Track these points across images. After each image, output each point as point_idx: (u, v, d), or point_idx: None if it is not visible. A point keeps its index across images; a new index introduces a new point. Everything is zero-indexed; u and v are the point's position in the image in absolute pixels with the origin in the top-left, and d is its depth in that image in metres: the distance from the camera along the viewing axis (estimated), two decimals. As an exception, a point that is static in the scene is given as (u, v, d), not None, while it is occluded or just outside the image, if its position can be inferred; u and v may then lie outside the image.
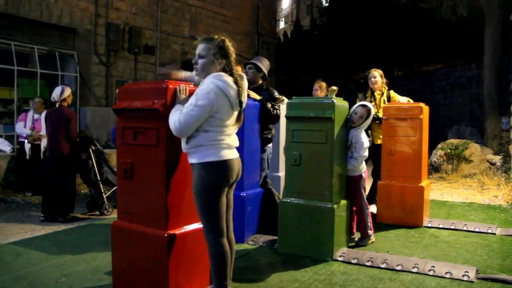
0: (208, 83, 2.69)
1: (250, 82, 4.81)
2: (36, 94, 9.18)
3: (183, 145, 2.78)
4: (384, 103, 5.74)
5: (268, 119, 4.70)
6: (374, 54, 18.06)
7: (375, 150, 5.63)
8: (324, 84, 5.86)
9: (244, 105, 2.84)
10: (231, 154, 2.79)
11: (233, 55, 2.83)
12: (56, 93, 5.68)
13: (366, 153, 4.35)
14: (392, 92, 5.89)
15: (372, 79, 5.82)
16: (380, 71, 5.87)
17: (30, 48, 9.65)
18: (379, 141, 5.68)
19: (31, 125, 6.98)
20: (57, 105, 5.70)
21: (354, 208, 4.42)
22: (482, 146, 9.96)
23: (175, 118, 2.66)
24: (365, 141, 4.32)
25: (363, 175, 4.44)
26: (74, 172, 5.94)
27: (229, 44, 2.81)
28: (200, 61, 2.78)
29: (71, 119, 5.66)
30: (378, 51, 18.19)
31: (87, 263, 3.90)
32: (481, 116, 12.60)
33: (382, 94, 5.83)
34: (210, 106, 2.64)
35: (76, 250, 4.29)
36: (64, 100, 5.70)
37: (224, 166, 2.74)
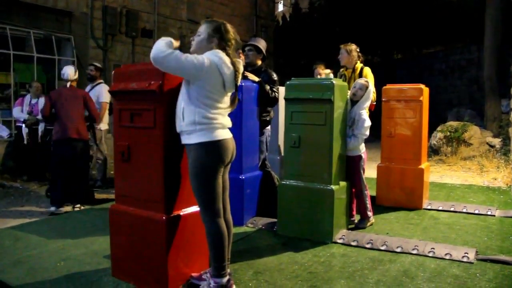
0: (204, 56, 2.71)
1: (250, 65, 4.77)
2: (33, 78, 9.08)
3: (178, 123, 2.76)
4: (355, 80, 5.01)
5: (266, 101, 4.66)
6: (373, 37, 17.90)
7: None
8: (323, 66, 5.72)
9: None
10: (225, 134, 2.79)
11: (232, 41, 2.85)
12: (70, 72, 5.50)
13: (367, 132, 4.32)
14: (365, 70, 5.19)
15: (339, 56, 5.30)
16: (352, 46, 5.28)
17: (26, 32, 9.52)
18: None
19: (29, 109, 6.95)
20: (68, 85, 5.49)
21: (353, 190, 4.41)
22: (481, 129, 9.94)
23: (168, 49, 2.61)
24: (367, 119, 4.28)
25: (363, 155, 4.41)
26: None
27: (229, 29, 2.84)
28: (197, 38, 2.82)
29: (89, 98, 5.57)
30: (377, 33, 18.02)
31: (86, 247, 3.90)
32: (481, 98, 12.54)
33: (354, 71, 5.27)
34: (200, 69, 2.63)
35: (75, 234, 4.28)
36: (75, 80, 5.58)
37: (218, 146, 2.73)
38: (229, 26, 2.85)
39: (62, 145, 5.26)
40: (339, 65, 5.35)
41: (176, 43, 2.79)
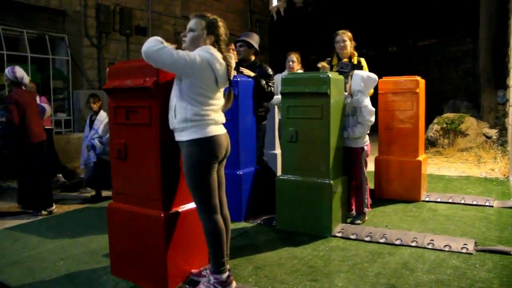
0: (196, 52, 2.68)
1: (243, 60, 4.75)
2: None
3: (171, 121, 2.74)
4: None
5: (262, 96, 4.64)
6: (368, 30, 17.85)
7: None
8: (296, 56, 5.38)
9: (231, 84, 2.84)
10: (218, 130, 2.77)
11: (223, 36, 2.83)
12: (25, 74, 5.39)
13: (373, 118, 4.25)
14: (363, 61, 4.92)
15: (341, 43, 4.83)
16: (350, 34, 4.91)
17: (19, 32, 9.45)
18: None
19: (24, 110, 6.89)
20: (27, 88, 5.46)
21: (353, 183, 4.38)
22: (478, 120, 9.94)
23: (160, 44, 2.58)
24: (370, 105, 4.24)
25: (365, 148, 4.38)
26: None
27: (220, 24, 2.81)
28: (189, 34, 2.78)
29: None
30: (372, 26, 17.99)
31: (85, 246, 3.89)
32: (477, 90, 12.56)
33: (350, 61, 4.88)
34: (192, 66, 2.60)
35: (73, 233, 4.27)
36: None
37: (211, 142, 2.71)
38: (220, 21, 2.82)
39: (38, 148, 5.15)
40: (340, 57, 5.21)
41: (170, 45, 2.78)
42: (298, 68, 5.36)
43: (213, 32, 2.77)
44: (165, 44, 2.68)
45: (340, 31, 4.91)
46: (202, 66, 2.64)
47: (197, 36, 2.76)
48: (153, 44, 2.58)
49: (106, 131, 5.83)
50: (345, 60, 4.88)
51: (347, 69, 4.68)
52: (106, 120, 5.88)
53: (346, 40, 4.82)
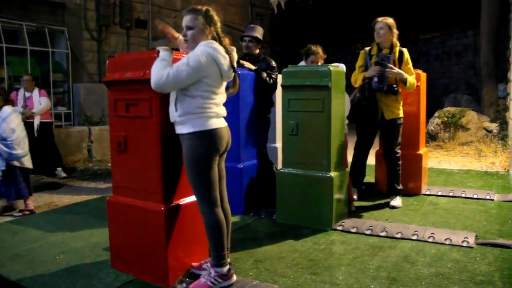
0: (199, 50, 2.65)
1: (249, 54, 4.75)
2: (27, 71, 8.99)
3: (171, 114, 2.73)
4: (395, 64, 4.48)
5: (266, 89, 4.62)
6: (368, 24, 17.76)
7: (385, 126, 4.65)
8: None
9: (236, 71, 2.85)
10: (220, 123, 2.75)
11: (219, 24, 2.79)
12: None
13: None
14: (406, 52, 4.52)
15: (378, 31, 4.47)
16: (391, 21, 4.48)
17: (19, 25, 9.41)
18: (391, 116, 4.57)
19: (23, 103, 6.88)
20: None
21: None
22: (479, 114, 9.92)
23: (164, 71, 2.57)
24: None
25: None
26: None
27: (214, 13, 2.78)
28: (189, 32, 2.72)
29: None
30: (373, 20, 17.92)
31: (85, 239, 3.88)
32: (478, 84, 12.55)
33: (391, 52, 4.48)
34: (199, 69, 2.59)
35: (73, 227, 4.27)
36: None
37: (212, 135, 2.69)
38: (213, 10, 2.77)
39: None
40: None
41: (176, 36, 2.80)
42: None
43: (212, 24, 2.74)
44: (170, 54, 2.67)
45: (380, 18, 4.52)
46: (208, 63, 2.62)
47: (197, 32, 2.71)
48: (159, 75, 2.57)
49: (11, 130, 4.82)
50: (386, 50, 4.50)
51: (387, 62, 4.37)
52: (10, 117, 4.88)
53: (384, 28, 4.46)
